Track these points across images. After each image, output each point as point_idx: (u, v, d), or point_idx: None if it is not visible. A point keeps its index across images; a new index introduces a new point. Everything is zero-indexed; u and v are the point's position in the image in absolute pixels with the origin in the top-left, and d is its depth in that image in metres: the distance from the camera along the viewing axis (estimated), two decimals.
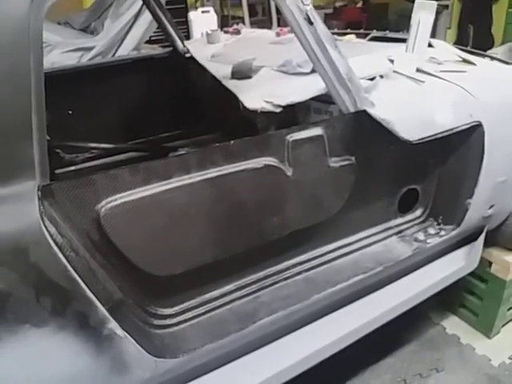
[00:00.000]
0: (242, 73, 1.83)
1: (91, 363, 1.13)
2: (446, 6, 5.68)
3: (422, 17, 1.83)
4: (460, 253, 1.96)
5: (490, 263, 2.12)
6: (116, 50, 3.73)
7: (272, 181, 1.37)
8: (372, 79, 1.60)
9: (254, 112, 1.57)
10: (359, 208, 1.67)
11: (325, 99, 1.62)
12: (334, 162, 1.47)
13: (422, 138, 1.52)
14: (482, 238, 1.96)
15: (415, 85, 1.64)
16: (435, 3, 1.84)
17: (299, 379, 1.50)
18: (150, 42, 4.31)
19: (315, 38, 1.38)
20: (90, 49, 3.80)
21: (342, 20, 6.73)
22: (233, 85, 1.79)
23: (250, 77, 1.82)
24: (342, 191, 1.54)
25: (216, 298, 1.47)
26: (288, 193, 1.42)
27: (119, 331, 1.13)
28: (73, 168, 2.50)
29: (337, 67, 1.41)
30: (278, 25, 6.50)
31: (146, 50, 3.80)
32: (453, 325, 2.30)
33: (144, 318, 1.33)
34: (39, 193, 1.02)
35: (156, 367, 1.24)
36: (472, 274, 2.10)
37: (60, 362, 1.10)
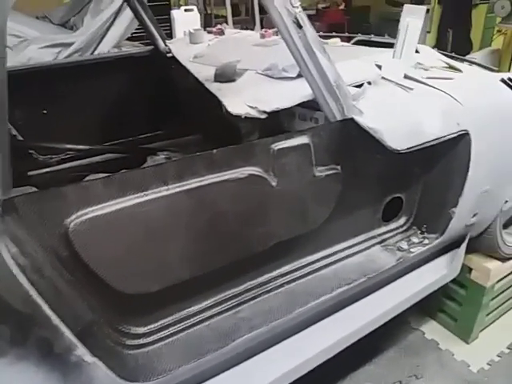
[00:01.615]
0: (226, 76, 1.77)
1: None
2: (427, 10, 5.71)
3: (411, 22, 1.80)
4: (442, 260, 1.95)
5: (470, 269, 2.12)
6: (96, 47, 3.62)
7: (256, 191, 1.32)
8: (360, 86, 1.56)
9: (238, 116, 1.52)
10: (343, 217, 1.63)
11: (310, 105, 1.58)
12: (320, 172, 1.43)
13: (409, 148, 1.49)
14: (464, 245, 1.96)
15: (404, 92, 1.61)
16: (424, 8, 1.82)
17: None
18: (131, 39, 4.21)
19: (303, 43, 1.33)
20: (68, 45, 3.68)
21: (324, 22, 6.71)
22: (216, 88, 1.73)
23: (233, 80, 1.77)
24: (327, 201, 1.50)
25: (193, 315, 1.40)
26: (273, 204, 1.37)
27: (87, 357, 1.05)
28: (47, 170, 2.41)
29: (325, 73, 1.37)
30: (262, 26, 6.46)
31: (127, 48, 3.70)
32: (432, 330, 2.30)
33: (116, 338, 1.25)
34: (0, 208, 0.94)
35: None
36: (452, 279, 2.09)
37: None
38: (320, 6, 6.96)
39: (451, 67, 2.00)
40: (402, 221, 1.87)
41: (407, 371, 2.06)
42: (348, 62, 1.70)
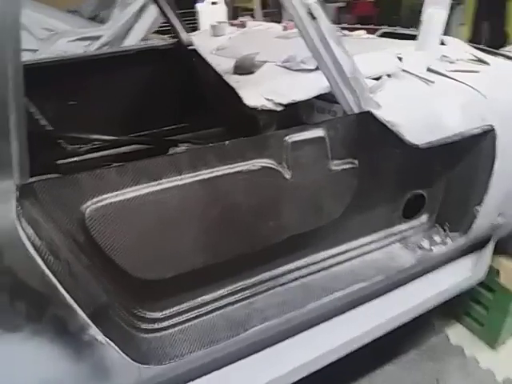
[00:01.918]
0: (244, 68, 1.76)
1: (70, 369, 1.08)
2: (460, 2, 5.51)
3: (434, 13, 1.74)
4: (466, 261, 1.88)
5: (499, 272, 2.03)
6: (123, 40, 3.67)
7: (269, 183, 1.31)
8: (379, 78, 1.52)
9: (256, 109, 1.50)
10: (361, 213, 1.60)
11: (329, 98, 1.55)
12: (336, 166, 1.40)
13: (429, 142, 1.44)
14: (490, 246, 1.89)
15: (424, 85, 1.55)
16: None
17: None
18: (159, 32, 4.25)
19: (318, 34, 1.30)
20: (97, 38, 3.75)
21: (354, 14, 6.60)
22: (234, 80, 1.72)
23: (252, 72, 1.76)
24: (343, 196, 1.47)
25: (208, 303, 1.42)
26: (286, 196, 1.36)
27: (100, 337, 1.08)
28: (75, 159, 2.47)
29: (340, 65, 1.33)
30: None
31: (155, 41, 3.74)
32: (457, 334, 2.22)
33: (130, 321, 1.28)
34: (17, 192, 0.96)
35: (140, 374, 1.19)
36: (479, 282, 2.02)
37: (36, 368, 1.05)
38: None
39: (479, 60, 1.92)
40: (423, 218, 1.82)
41: (428, 375, 2.00)
42: (368, 54, 1.66)
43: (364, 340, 1.57)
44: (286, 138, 1.30)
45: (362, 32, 2.48)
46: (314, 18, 1.28)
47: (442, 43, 2.15)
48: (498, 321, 2.08)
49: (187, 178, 1.18)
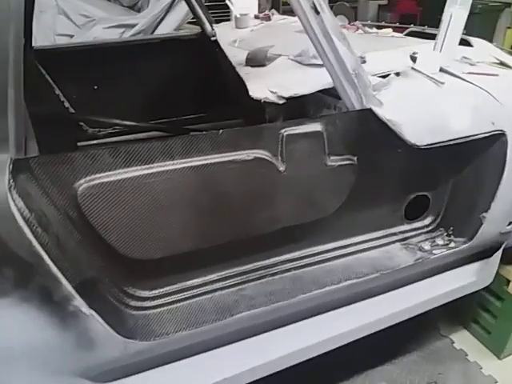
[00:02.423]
0: (257, 60, 1.78)
1: (56, 337, 1.14)
2: (509, 4, 5.29)
3: (455, 12, 1.70)
4: (472, 267, 1.84)
5: (509, 281, 1.98)
6: (154, 29, 3.75)
7: (262, 174, 1.33)
8: (386, 76, 1.51)
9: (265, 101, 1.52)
10: (359, 211, 1.59)
11: (336, 93, 1.55)
12: (333, 161, 1.41)
13: (431, 144, 1.42)
14: (498, 254, 1.84)
15: (433, 86, 1.53)
16: None
17: (288, 373, 1.48)
18: (194, 23, 4.31)
19: (321, 29, 1.31)
20: (131, 26, 3.86)
21: (396, 12, 6.44)
22: (245, 72, 1.74)
23: (264, 65, 1.77)
24: (339, 191, 1.47)
25: (197, 286, 1.45)
26: (279, 188, 1.37)
27: (85, 309, 1.13)
28: (95, 142, 2.56)
29: (343, 61, 1.33)
30: None
31: (186, 30, 3.80)
32: (462, 339, 2.18)
33: (120, 297, 1.33)
34: (11, 166, 1.02)
35: (125, 348, 1.24)
36: (488, 290, 2.00)
37: (23, 333, 1.12)
38: None
39: (502, 63, 1.87)
40: (427, 221, 1.79)
41: (427, 377, 1.97)
42: (380, 52, 1.64)
43: (353, 336, 1.57)
44: (282, 130, 1.31)
45: (389, 30, 2.45)
46: (317, 12, 1.29)
47: (469, 44, 2.11)
48: (506, 330, 2.04)
49: (179, 164, 1.21)
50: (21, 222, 1.01)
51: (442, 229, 1.78)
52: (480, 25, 4.91)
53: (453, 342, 2.16)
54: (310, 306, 1.49)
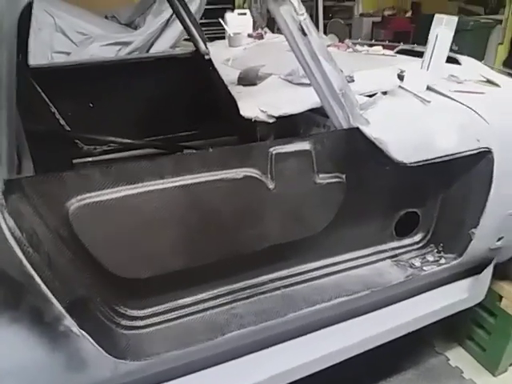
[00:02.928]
0: (248, 79, 1.81)
1: (46, 357, 1.14)
2: (500, 21, 5.39)
3: (441, 32, 1.74)
4: (463, 284, 1.85)
5: (501, 297, 1.99)
6: (151, 46, 3.81)
7: (251, 193, 1.34)
8: (374, 95, 1.54)
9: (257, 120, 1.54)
10: (349, 228, 1.61)
11: (325, 112, 1.58)
12: (322, 179, 1.42)
13: (418, 161, 1.45)
14: (489, 270, 1.85)
15: (419, 104, 1.56)
16: (455, 19, 1.74)
17: None
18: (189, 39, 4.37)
19: (309, 50, 1.34)
20: (128, 43, 3.91)
21: (390, 29, 6.54)
22: (237, 90, 1.77)
23: (255, 84, 1.80)
24: (328, 209, 1.49)
25: (188, 305, 1.46)
26: (268, 206, 1.39)
27: (75, 329, 1.13)
28: (90, 159, 2.58)
29: (330, 81, 1.36)
30: (325, 31, 6.39)
31: (182, 48, 3.85)
32: (457, 357, 2.17)
33: (111, 317, 1.33)
34: (3, 186, 1.04)
35: (116, 368, 1.24)
36: (481, 306, 2.01)
37: (13, 354, 1.12)
38: (386, 13, 6.80)
39: (489, 81, 1.90)
40: (417, 237, 1.80)
41: None
42: (367, 71, 1.67)
43: (344, 355, 1.57)
44: (271, 149, 1.33)
45: (380, 48, 2.49)
46: (304, 34, 1.32)
47: (457, 62, 2.14)
48: (500, 347, 2.04)
49: (169, 183, 1.23)
50: (12, 242, 1.02)
51: (432, 245, 1.80)
52: (472, 41, 4.99)
53: (448, 360, 2.16)
54: (300, 325, 1.50)
